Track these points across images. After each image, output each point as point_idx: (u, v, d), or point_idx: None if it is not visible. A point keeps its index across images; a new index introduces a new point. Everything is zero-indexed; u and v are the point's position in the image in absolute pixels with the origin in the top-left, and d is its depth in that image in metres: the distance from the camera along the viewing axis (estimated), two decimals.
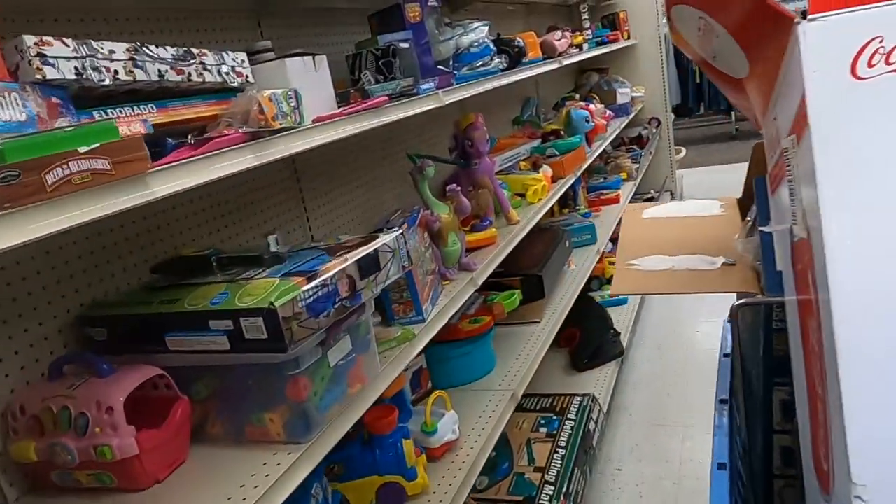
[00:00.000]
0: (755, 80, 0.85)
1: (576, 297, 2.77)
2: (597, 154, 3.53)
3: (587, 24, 4.24)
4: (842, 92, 0.63)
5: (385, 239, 1.22)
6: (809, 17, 0.64)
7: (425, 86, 1.73)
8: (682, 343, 3.42)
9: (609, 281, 3.65)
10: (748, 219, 1.15)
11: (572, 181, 2.99)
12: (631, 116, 4.70)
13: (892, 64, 0.62)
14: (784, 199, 0.78)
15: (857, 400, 0.58)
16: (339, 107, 1.47)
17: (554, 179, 2.81)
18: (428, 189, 1.82)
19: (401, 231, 1.28)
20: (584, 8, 4.35)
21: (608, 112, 4.23)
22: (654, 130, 5.30)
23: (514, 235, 2.22)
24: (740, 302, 1.01)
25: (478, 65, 2.22)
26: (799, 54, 0.64)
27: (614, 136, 4.10)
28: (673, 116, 5.85)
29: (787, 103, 0.72)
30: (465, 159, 2.32)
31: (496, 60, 2.31)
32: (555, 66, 2.93)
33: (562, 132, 3.28)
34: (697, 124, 9.11)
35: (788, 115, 0.71)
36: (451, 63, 2.13)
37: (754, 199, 1.04)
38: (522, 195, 2.57)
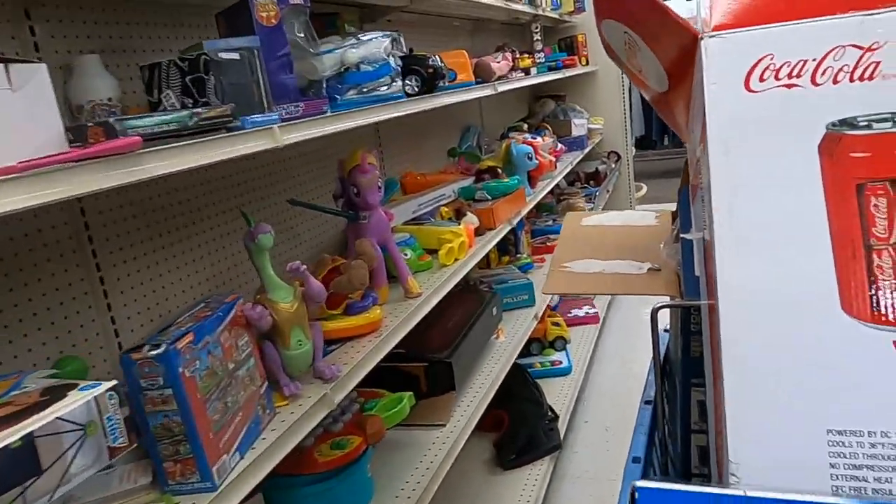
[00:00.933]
0: (675, 93, 0.91)
1: (503, 375, 2.23)
2: (540, 197, 3.01)
3: (539, 47, 3.75)
4: (736, 103, 0.70)
5: (62, 409, 0.65)
6: (710, 33, 0.72)
7: (258, 118, 1.17)
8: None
9: (552, 344, 3.12)
10: (674, 227, 1.18)
11: (505, 232, 2.46)
12: (586, 151, 4.22)
13: (780, 79, 0.70)
14: (700, 208, 0.84)
15: (735, 388, 0.66)
16: (71, 146, 0.90)
17: (480, 232, 2.27)
18: (268, 264, 1.26)
19: (106, 388, 0.71)
20: (537, 28, 3.87)
21: (560, 146, 3.74)
22: (613, 165, 4.84)
23: (412, 314, 1.66)
24: (658, 304, 1.02)
25: (369, 88, 1.68)
26: (701, 67, 0.71)
27: (565, 173, 3.60)
28: (634, 150, 5.41)
29: (697, 115, 0.78)
30: (352, 210, 1.76)
31: (399, 83, 1.77)
32: (488, 92, 2.41)
33: (499, 170, 2.76)
34: (660, 157, 8.75)
35: (699, 126, 0.77)
36: (325, 84, 1.58)
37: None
38: (436, 252, 2.02)
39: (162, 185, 1.49)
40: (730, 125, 0.69)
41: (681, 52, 0.77)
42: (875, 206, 0.69)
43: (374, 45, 1.70)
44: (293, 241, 2.02)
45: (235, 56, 1.19)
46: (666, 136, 7.81)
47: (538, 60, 3.67)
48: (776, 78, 0.69)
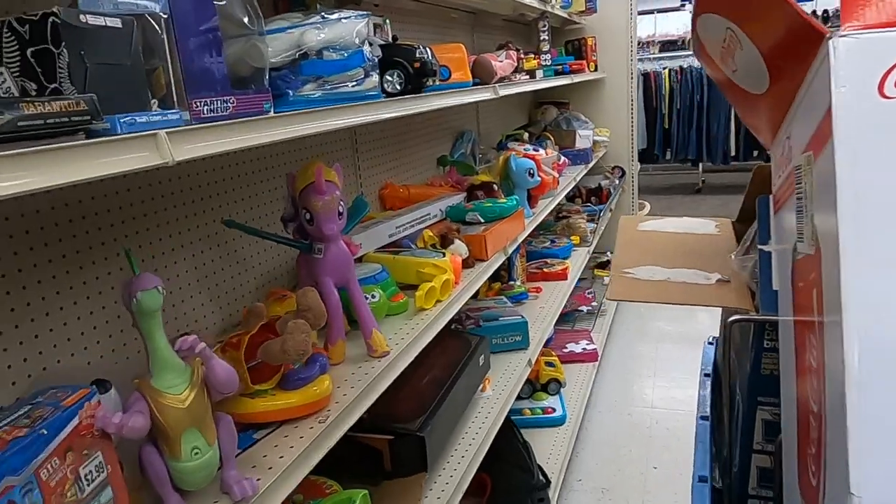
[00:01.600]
0: (773, 97, 0.86)
1: (490, 439, 1.84)
2: (541, 219, 2.62)
3: (547, 47, 3.36)
4: (868, 109, 0.63)
5: None
6: (841, 32, 0.65)
7: (138, 118, 0.77)
8: (635, 483, 2.51)
9: (545, 387, 2.73)
10: (746, 238, 1.15)
11: (499, 264, 2.07)
12: (591, 165, 3.84)
13: None
14: (788, 219, 0.82)
15: (861, 413, 0.58)
16: None
17: (467, 265, 1.87)
18: (157, 331, 0.85)
19: None
20: (545, 27, 3.48)
21: (563, 159, 3.35)
22: (617, 181, 4.46)
23: (375, 381, 1.26)
24: (734, 318, 0.99)
25: (334, 82, 1.28)
26: (828, 69, 0.64)
27: (567, 191, 3.22)
28: (639, 166, 5.04)
29: (805, 120, 0.74)
30: (305, 238, 1.36)
31: (375, 78, 1.37)
32: (487, 95, 2.01)
33: (495, 186, 2.37)
34: (661, 171, 8.40)
35: (806, 132, 0.73)
36: (273, 75, 1.18)
37: (754, 219, 1.08)
38: (416, 288, 1.62)
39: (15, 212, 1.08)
40: (859, 132, 0.63)
41: (793, 51, 0.73)
42: None
43: (345, 26, 1.30)
44: (238, 267, 1.62)
45: (111, 22, 0.79)
46: (668, 151, 7.47)
47: (544, 63, 3.29)
48: None
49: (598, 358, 3.18)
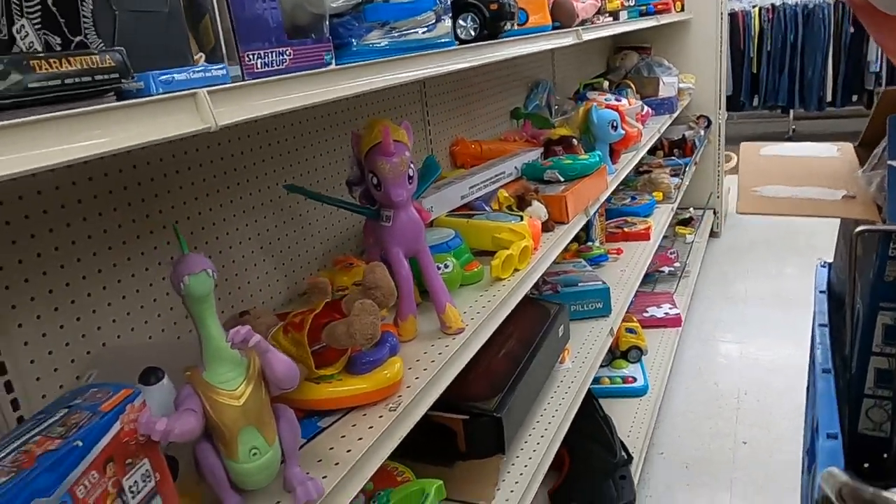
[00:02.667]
0: None
1: (570, 417, 1.71)
2: (623, 175, 2.42)
3: None
4: None
5: None
6: None
7: (176, 74, 0.65)
8: (722, 459, 2.35)
9: (625, 354, 2.57)
10: (873, 156, 1.17)
11: (580, 227, 1.90)
12: (676, 115, 3.56)
13: None
14: None
15: None
16: None
17: (547, 228, 1.72)
18: (210, 317, 0.76)
19: None
20: None
21: (646, 109, 3.10)
22: (703, 132, 4.14)
23: (450, 361, 1.15)
24: (862, 228, 1.02)
25: (402, 29, 1.13)
26: None
27: (651, 143, 2.98)
28: (726, 115, 4.67)
29: None
30: (371, 204, 1.24)
31: (447, 23, 1.22)
32: (569, 40, 1.82)
33: (575, 141, 2.18)
34: (746, 120, 7.85)
35: None
36: (334, 23, 1.04)
37: (877, 142, 1.17)
38: (491, 254, 1.49)
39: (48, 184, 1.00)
40: None
41: None
42: None
43: None
44: (302, 233, 1.53)
45: None
46: (756, 97, 6.94)
47: (628, 3, 3.01)
48: None
49: (682, 323, 2.98)
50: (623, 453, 1.99)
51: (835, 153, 1.42)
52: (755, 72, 6.77)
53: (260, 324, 1.01)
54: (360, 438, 0.95)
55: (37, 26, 0.65)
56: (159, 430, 0.64)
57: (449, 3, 1.21)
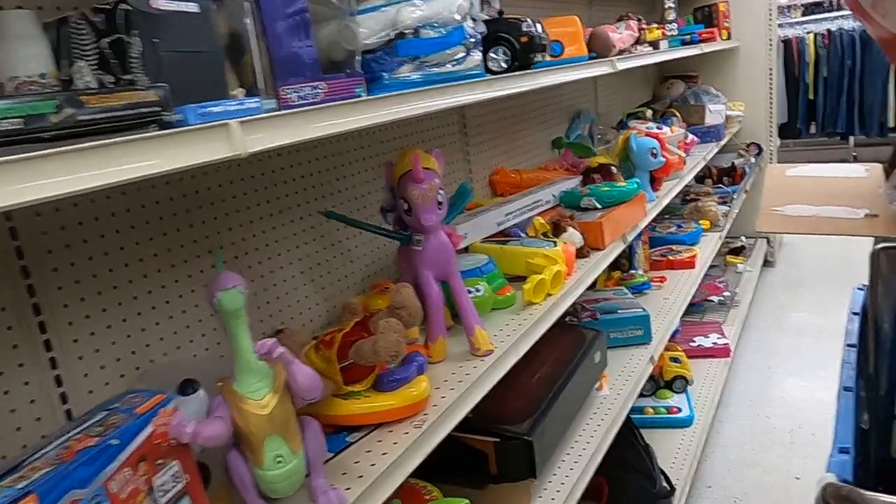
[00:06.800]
0: None
1: (606, 445, 1.70)
2: (665, 203, 2.41)
3: (672, 16, 3.10)
4: None
5: None
6: None
7: (215, 108, 0.72)
8: (774, 494, 2.26)
9: (670, 384, 2.53)
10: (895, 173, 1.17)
11: (617, 253, 1.91)
12: (724, 143, 3.52)
13: None
14: None
15: None
16: None
17: (583, 254, 1.74)
18: (243, 332, 0.81)
19: None
20: None
21: (691, 137, 3.08)
22: (753, 159, 4.08)
23: (478, 382, 1.18)
24: (882, 245, 1.01)
25: (432, 62, 1.19)
26: None
27: (696, 171, 2.96)
28: (778, 141, 4.58)
29: None
30: (404, 229, 1.29)
31: (477, 56, 1.27)
32: (604, 69, 1.85)
33: (614, 169, 2.19)
34: (804, 148, 7.65)
35: None
36: (366, 58, 1.11)
37: None
38: (524, 279, 1.51)
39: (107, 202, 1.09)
40: None
41: None
42: None
43: (443, 2, 1.21)
44: (342, 259, 1.59)
45: (187, 7, 0.74)
46: (813, 124, 6.77)
47: (669, 32, 3.03)
48: None
49: (731, 353, 2.91)
50: (665, 483, 1.95)
51: (863, 173, 1.41)
52: (812, 98, 6.62)
53: (294, 342, 1.06)
54: (384, 453, 0.98)
55: (93, 67, 0.73)
56: (188, 433, 0.69)
57: (480, 37, 1.26)
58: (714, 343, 2.89)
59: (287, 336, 1.07)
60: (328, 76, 1.01)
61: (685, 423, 2.37)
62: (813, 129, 6.84)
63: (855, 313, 1.35)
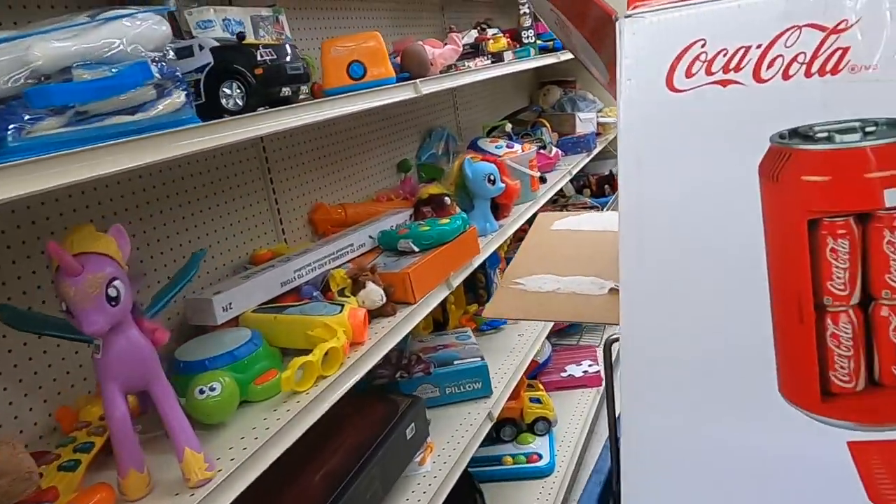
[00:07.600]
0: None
1: None
2: (515, 229, 2.20)
3: (528, 22, 2.89)
4: (655, 106, 0.57)
5: None
6: (626, 12, 0.58)
7: None
8: None
9: (531, 427, 2.33)
10: None
11: (437, 302, 1.66)
12: (595, 152, 3.36)
13: (713, 74, 0.55)
14: None
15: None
16: None
17: (385, 313, 1.48)
18: None
19: None
20: None
21: (555, 151, 2.90)
22: None
23: None
24: (613, 336, 0.88)
25: (100, 111, 0.91)
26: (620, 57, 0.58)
27: (558, 188, 2.77)
28: None
29: None
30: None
31: (179, 98, 1.00)
32: (406, 94, 1.60)
33: (447, 199, 1.96)
34: None
35: None
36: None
37: None
38: (306, 353, 1.24)
39: None
40: (645, 135, 0.57)
41: (609, 38, 0.61)
42: (833, 250, 0.50)
43: (112, 29, 0.93)
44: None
45: None
46: None
47: (527, 40, 2.83)
48: (708, 72, 0.54)
49: (602, 382, 2.75)
50: None
51: None
52: None
53: None
54: None
55: None
56: None
57: (158, 74, 0.97)
58: (585, 372, 2.71)
59: None
60: None
61: (545, 472, 2.17)
62: None
63: None
